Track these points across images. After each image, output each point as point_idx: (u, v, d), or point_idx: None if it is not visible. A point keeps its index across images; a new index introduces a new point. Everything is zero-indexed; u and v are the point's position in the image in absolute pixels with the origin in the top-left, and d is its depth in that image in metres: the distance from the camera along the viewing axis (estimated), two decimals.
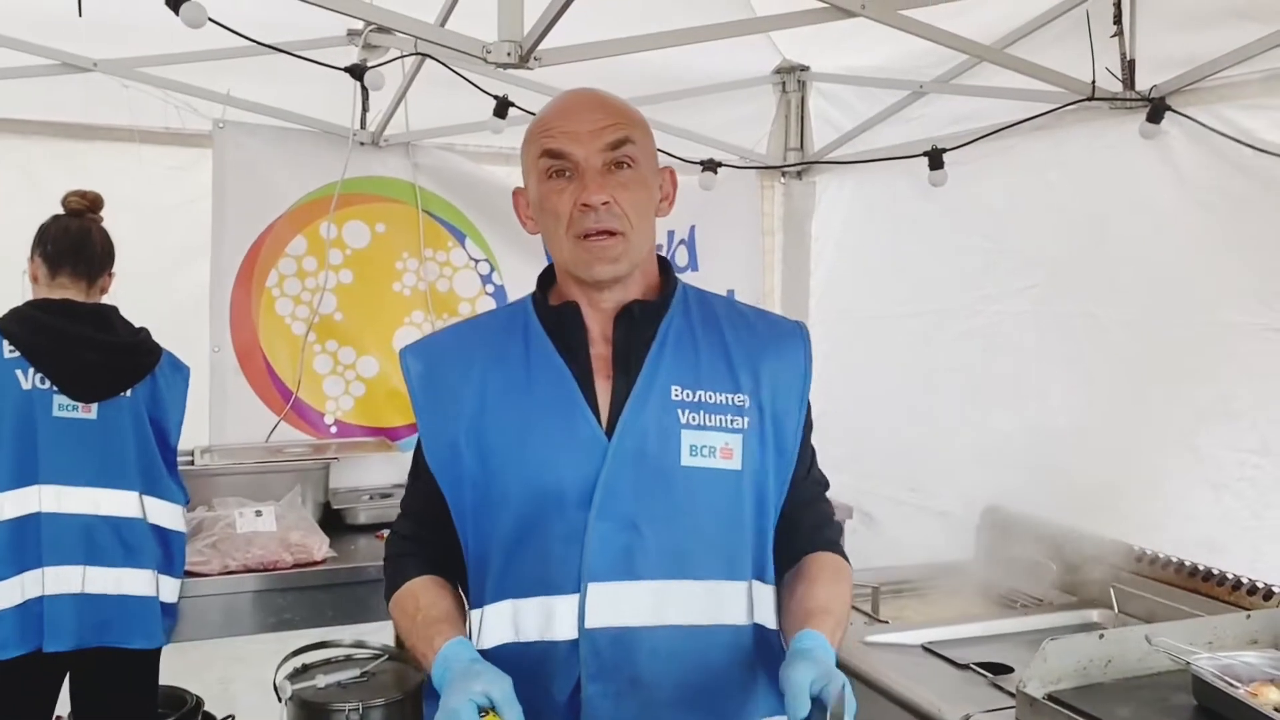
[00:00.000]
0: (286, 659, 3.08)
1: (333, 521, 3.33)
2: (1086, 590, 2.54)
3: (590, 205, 1.45)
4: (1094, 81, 2.77)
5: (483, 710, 1.32)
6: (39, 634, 2.52)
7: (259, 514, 2.95)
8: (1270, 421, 2.43)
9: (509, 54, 2.19)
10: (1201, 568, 2.30)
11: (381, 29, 3.32)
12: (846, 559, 1.63)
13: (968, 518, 2.96)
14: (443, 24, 2.75)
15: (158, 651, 2.72)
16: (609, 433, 1.48)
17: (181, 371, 2.80)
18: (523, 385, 1.52)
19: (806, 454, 1.60)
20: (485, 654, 1.47)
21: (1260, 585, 2.17)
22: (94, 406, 2.61)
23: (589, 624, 1.45)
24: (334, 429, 3.74)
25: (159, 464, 2.72)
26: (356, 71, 3.10)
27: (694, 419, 1.49)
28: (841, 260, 4.12)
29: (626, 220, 1.48)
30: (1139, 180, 2.81)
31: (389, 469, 3.71)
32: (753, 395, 1.53)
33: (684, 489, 1.48)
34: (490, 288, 3.96)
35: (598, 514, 1.45)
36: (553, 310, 1.56)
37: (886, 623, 2.40)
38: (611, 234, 1.47)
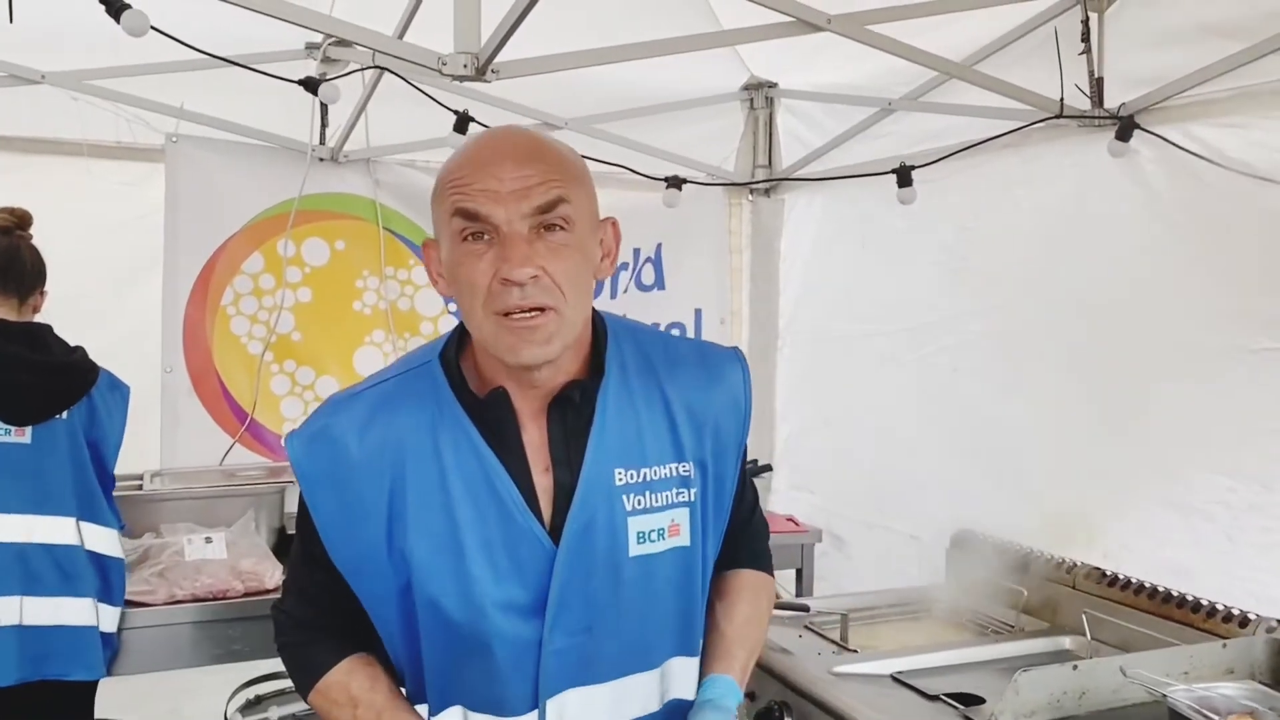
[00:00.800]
0: (238, 690, 2.98)
1: (287, 547, 3.19)
2: (1058, 616, 2.48)
3: (514, 280, 1.23)
4: (1062, 99, 2.74)
5: None
6: None
7: (209, 541, 2.84)
8: (1242, 443, 2.39)
9: (465, 66, 2.13)
10: (1175, 593, 2.24)
11: (341, 42, 3.26)
12: (770, 571, 1.59)
13: (938, 541, 2.90)
14: (401, 36, 2.70)
15: (96, 684, 2.62)
16: (553, 533, 1.33)
17: (120, 391, 2.69)
18: (449, 484, 1.31)
19: (740, 485, 1.51)
20: None
21: (1236, 612, 2.12)
22: (27, 430, 2.50)
23: None
24: None
25: (96, 489, 2.61)
26: (311, 84, 3.03)
27: (639, 502, 1.36)
28: (811, 279, 4.08)
29: (558, 293, 1.26)
30: (1108, 198, 2.78)
31: None
32: (697, 460, 1.40)
33: (634, 580, 1.36)
34: (453, 306, 3.87)
35: (550, 627, 1.32)
36: (478, 400, 1.35)
37: (855, 651, 2.33)
38: (541, 311, 1.25)
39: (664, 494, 1.37)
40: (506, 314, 1.25)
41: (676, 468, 1.39)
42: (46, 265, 2.63)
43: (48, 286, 2.64)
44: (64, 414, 2.54)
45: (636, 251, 4.13)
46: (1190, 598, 2.21)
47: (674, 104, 3.91)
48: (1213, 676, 1.90)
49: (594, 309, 1.42)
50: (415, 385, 1.37)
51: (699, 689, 1.43)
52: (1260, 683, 1.90)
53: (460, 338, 1.40)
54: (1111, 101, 2.75)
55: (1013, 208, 3.07)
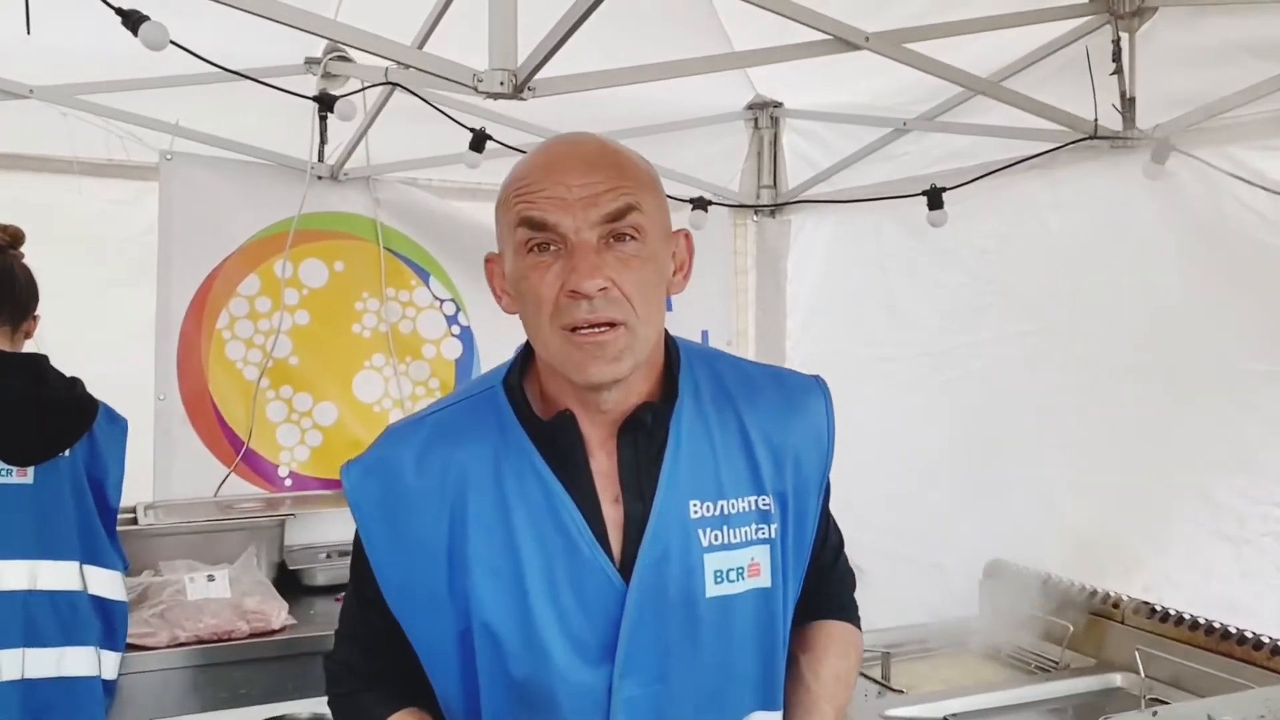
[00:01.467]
0: None
1: (288, 583, 3.08)
2: (1104, 652, 2.41)
3: (582, 293, 1.16)
4: (1096, 119, 2.68)
5: None
6: None
7: (211, 579, 2.71)
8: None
9: (502, 83, 2.02)
10: (1234, 629, 2.18)
11: (342, 57, 3.16)
12: (857, 621, 1.48)
13: (969, 572, 2.82)
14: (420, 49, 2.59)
15: None
16: (622, 569, 1.23)
17: (119, 425, 2.55)
18: (512, 516, 1.23)
19: (823, 525, 1.39)
20: None
21: None
22: (30, 470, 2.36)
23: None
24: (288, 481, 3.50)
25: (99, 529, 2.48)
26: (326, 100, 2.91)
27: (716, 538, 1.26)
28: (821, 301, 4.00)
29: (628, 307, 1.18)
30: (1142, 222, 2.73)
31: (348, 525, 3.43)
32: (777, 494, 1.29)
33: (712, 623, 1.26)
34: (456, 329, 3.76)
35: (621, 674, 1.22)
36: (543, 424, 1.27)
37: (902, 692, 2.24)
38: (611, 325, 1.18)
39: (743, 530, 1.27)
40: (574, 329, 1.18)
41: (755, 501, 1.28)
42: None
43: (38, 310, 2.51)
44: (66, 452, 2.40)
45: None
46: (1250, 634, 2.15)
47: (679, 123, 3.83)
48: None
49: (671, 343, 1.33)
50: (477, 412, 1.30)
51: None
52: None
53: (524, 361, 1.32)
54: (1144, 122, 2.70)
55: (1040, 230, 3.01)
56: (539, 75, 2.11)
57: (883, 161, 3.62)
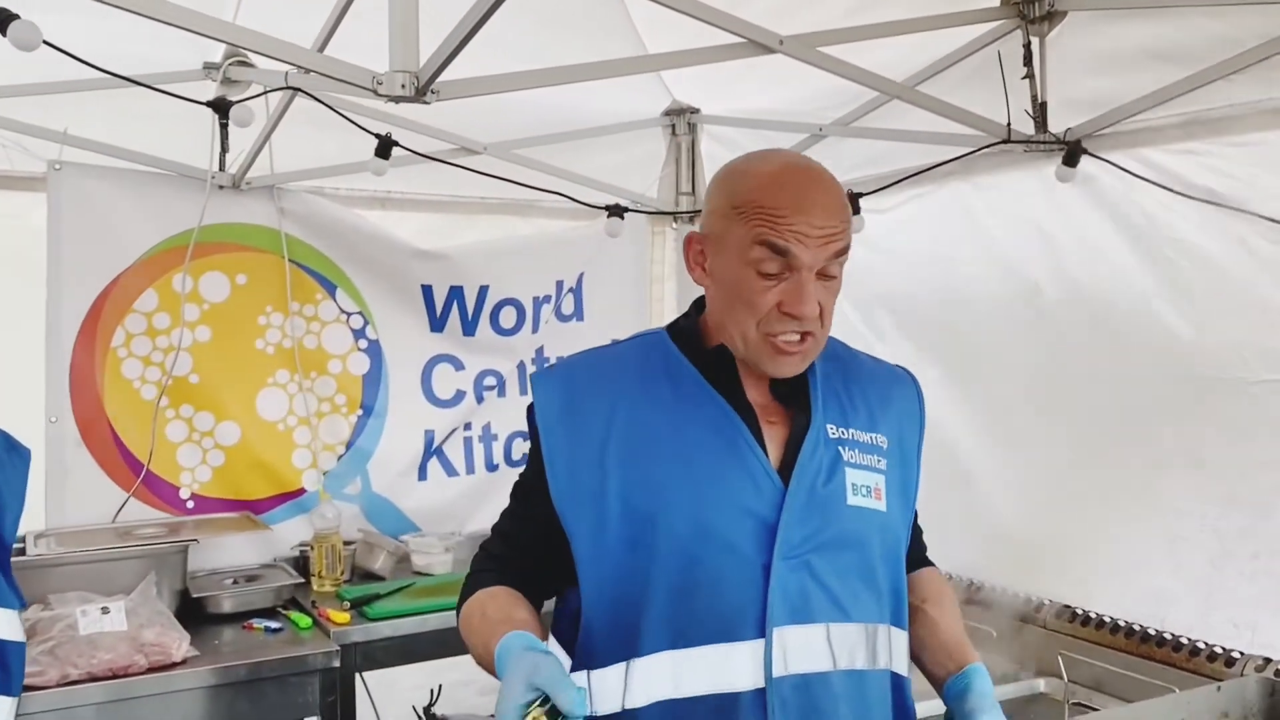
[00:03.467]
0: None
1: (192, 612, 2.94)
2: (1028, 657, 2.39)
3: (798, 315, 1.40)
4: (1009, 123, 2.69)
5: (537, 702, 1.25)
6: None
7: (105, 611, 2.56)
8: (1213, 474, 2.34)
9: (404, 86, 1.94)
10: (1154, 631, 2.18)
11: (242, 61, 3.03)
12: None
13: None
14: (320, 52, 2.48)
15: None
16: (781, 472, 1.44)
17: (20, 454, 2.38)
18: (679, 420, 1.45)
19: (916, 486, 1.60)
20: (634, 714, 1.40)
21: (1220, 650, 2.06)
22: None
23: (776, 671, 1.38)
24: (191, 504, 3.34)
25: None
26: (222, 106, 2.78)
27: (852, 457, 1.48)
28: None
29: (819, 324, 1.44)
30: (1068, 225, 2.73)
31: (255, 548, 3.33)
32: (887, 436, 1.53)
33: (851, 529, 1.46)
34: (364, 343, 3.64)
35: (778, 555, 1.40)
36: (706, 351, 1.50)
37: None
38: (806, 337, 1.43)
39: (868, 457, 1.49)
40: (777, 335, 1.42)
41: (874, 437, 1.52)
42: None
43: None
44: None
45: (560, 283, 3.96)
46: (1170, 636, 2.15)
47: (596, 129, 3.76)
48: None
49: None
50: (640, 346, 1.55)
51: (961, 680, 1.49)
52: None
53: (688, 320, 1.56)
54: (1057, 126, 2.71)
55: (973, 233, 2.99)
56: (443, 78, 2.04)
57: None
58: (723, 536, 1.41)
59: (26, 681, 2.38)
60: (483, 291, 3.79)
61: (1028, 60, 2.72)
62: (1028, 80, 2.71)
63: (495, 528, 1.61)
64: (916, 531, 1.66)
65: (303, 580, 3.23)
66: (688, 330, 1.54)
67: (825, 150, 3.50)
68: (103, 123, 3.10)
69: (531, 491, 1.50)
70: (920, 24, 2.66)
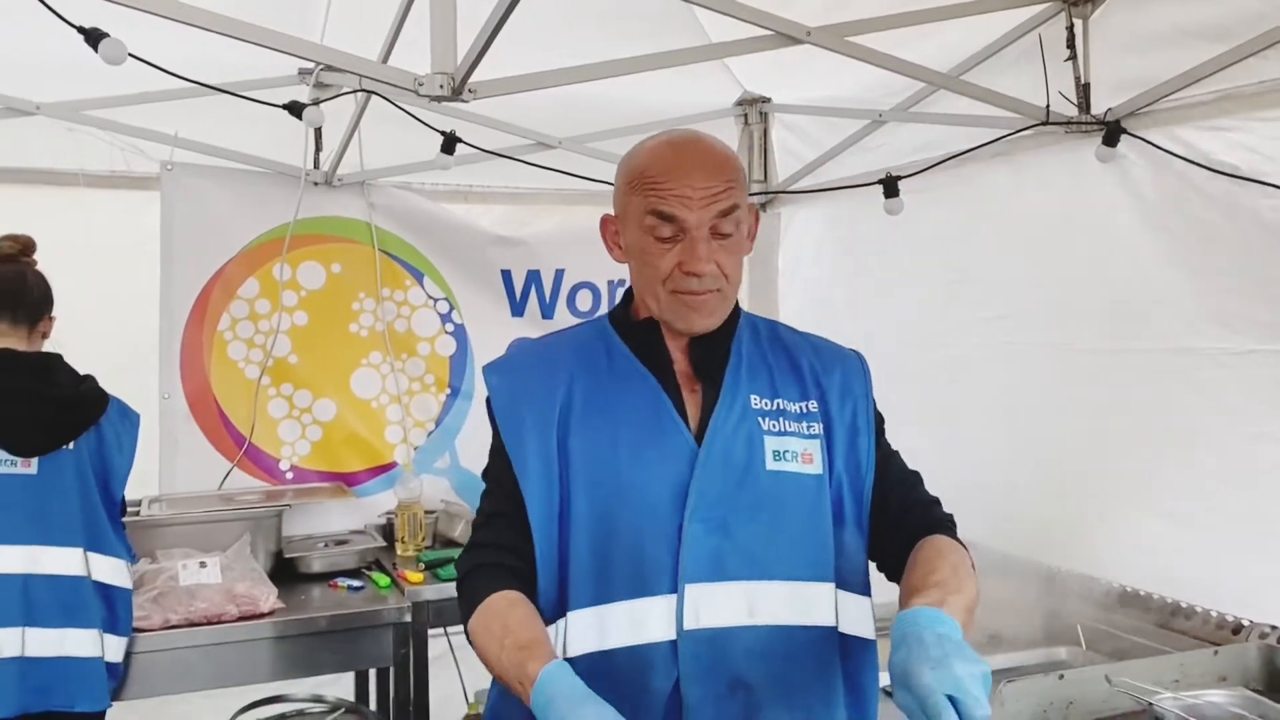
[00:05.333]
0: (238, 715, 2.98)
1: (285, 571, 3.23)
2: (1052, 627, 2.45)
3: (696, 273, 1.48)
4: (1048, 106, 2.73)
5: None
6: None
7: (203, 565, 2.85)
8: (1235, 450, 2.36)
9: (441, 86, 2.13)
10: (1169, 600, 2.22)
11: (330, 67, 3.29)
12: (954, 537, 1.59)
13: None
14: (385, 59, 2.71)
15: (103, 713, 2.62)
16: (698, 440, 1.52)
17: (130, 419, 2.71)
18: (610, 394, 1.56)
19: (885, 458, 1.62)
20: (570, 663, 1.44)
21: (1230, 619, 2.09)
22: (34, 461, 2.52)
23: (687, 625, 1.46)
24: (290, 475, 3.65)
25: (103, 519, 2.62)
26: (295, 109, 3.05)
27: (774, 426, 1.55)
28: (809, 293, 4.06)
29: (724, 279, 1.52)
30: (1098, 205, 2.76)
31: (345, 515, 3.61)
32: (820, 405, 1.58)
33: (769, 492, 1.52)
34: (450, 326, 3.89)
35: (691, 516, 1.48)
36: (635, 326, 1.60)
37: None
38: (709, 291, 1.51)
39: (795, 424, 1.56)
40: (683, 292, 1.51)
41: (804, 405, 1.58)
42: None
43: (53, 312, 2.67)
44: (70, 445, 2.55)
45: None
46: (1183, 605, 2.19)
47: (668, 121, 3.89)
48: (1204, 685, 1.88)
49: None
50: (586, 330, 1.67)
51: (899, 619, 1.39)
52: (1254, 690, 1.87)
53: (625, 304, 1.65)
54: (1098, 107, 2.73)
55: (1006, 217, 3.05)
56: (485, 77, 2.22)
57: (863, 153, 3.68)
58: (639, 496, 1.50)
59: (134, 625, 2.69)
60: (559, 275, 3.99)
61: (1071, 43, 2.76)
62: (1070, 63, 2.76)
63: (482, 511, 1.64)
64: (910, 500, 1.63)
65: (386, 545, 3.49)
66: (621, 312, 1.65)
67: (885, 136, 3.58)
68: (209, 126, 3.41)
69: (502, 475, 1.57)
70: (964, 9, 2.72)
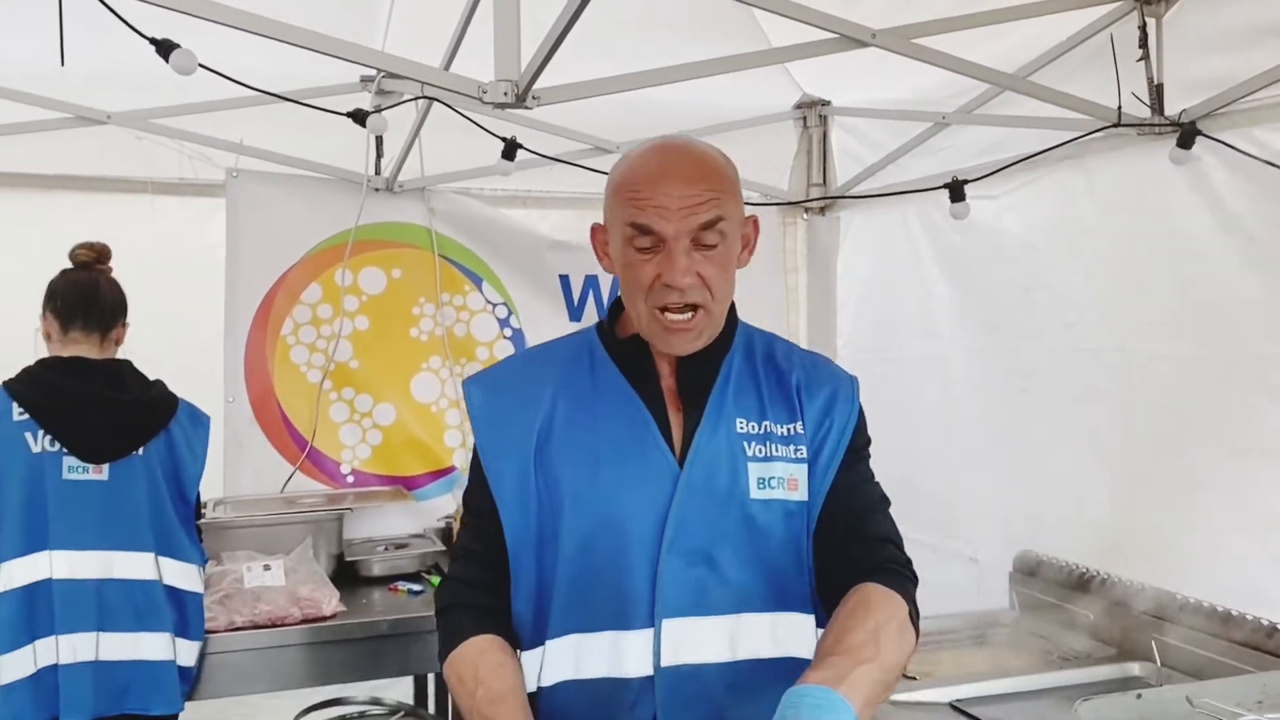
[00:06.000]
0: (299, 717, 3.00)
1: (346, 574, 3.25)
2: (1126, 642, 2.39)
3: (674, 285, 1.41)
4: (1120, 107, 2.67)
5: None
6: (54, 705, 2.45)
7: (267, 568, 2.88)
8: None
9: (505, 94, 2.13)
10: (1250, 617, 2.15)
11: (392, 74, 3.31)
12: (894, 584, 1.41)
13: (1000, 565, 2.82)
14: (448, 66, 2.72)
15: (175, 717, 2.64)
16: (681, 463, 1.47)
17: (201, 422, 2.74)
18: (592, 412, 1.50)
19: (849, 484, 1.51)
20: (545, 692, 1.45)
21: None
22: (105, 467, 2.55)
23: (665, 661, 1.42)
24: (350, 478, 3.68)
25: (175, 523, 2.65)
26: (359, 116, 3.07)
27: (760, 451, 1.49)
28: (869, 297, 4.02)
29: (708, 294, 1.44)
30: (1172, 208, 2.69)
31: (405, 519, 3.64)
32: (809, 424, 1.52)
33: (755, 522, 1.47)
34: (508, 331, 3.90)
35: (669, 548, 1.43)
36: (620, 342, 1.54)
37: (914, 679, 2.27)
38: (693, 308, 1.44)
39: (783, 448, 1.49)
40: (664, 309, 1.44)
41: (792, 427, 1.51)
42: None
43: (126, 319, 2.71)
44: (140, 450, 2.59)
45: None
46: (1265, 622, 2.12)
47: (727, 125, 3.89)
48: None
49: (731, 309, 1.58)
50: (575, 338, 1.61)
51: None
52: None
53: (615, 313, 1.60)
54: (1172, 108, 2.67)
55: (1076, 222, 2.98)
56: (547, 84, 2.21)
57: (926, 156, 3.63)
58: (619, 526, 1.44)
59: None
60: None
61: (1143, 43, 2.70)
62: (1142, 63, 2.69)
63: (462, 546, 1.60)
64: (857, 532, 1.49)
65: (445, 549, 3.50)
66: (610, 324, 1.58)
67: (949, 139, 3.53)
68: (273, 133, 3.46)
69: (479, 501, 1.53)
70: (1034, 9, 2.67)
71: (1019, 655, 2.50)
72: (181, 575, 2.65)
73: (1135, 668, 2.29)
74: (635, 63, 2.51)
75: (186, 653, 2.65)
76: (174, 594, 2.63)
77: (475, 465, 1.56)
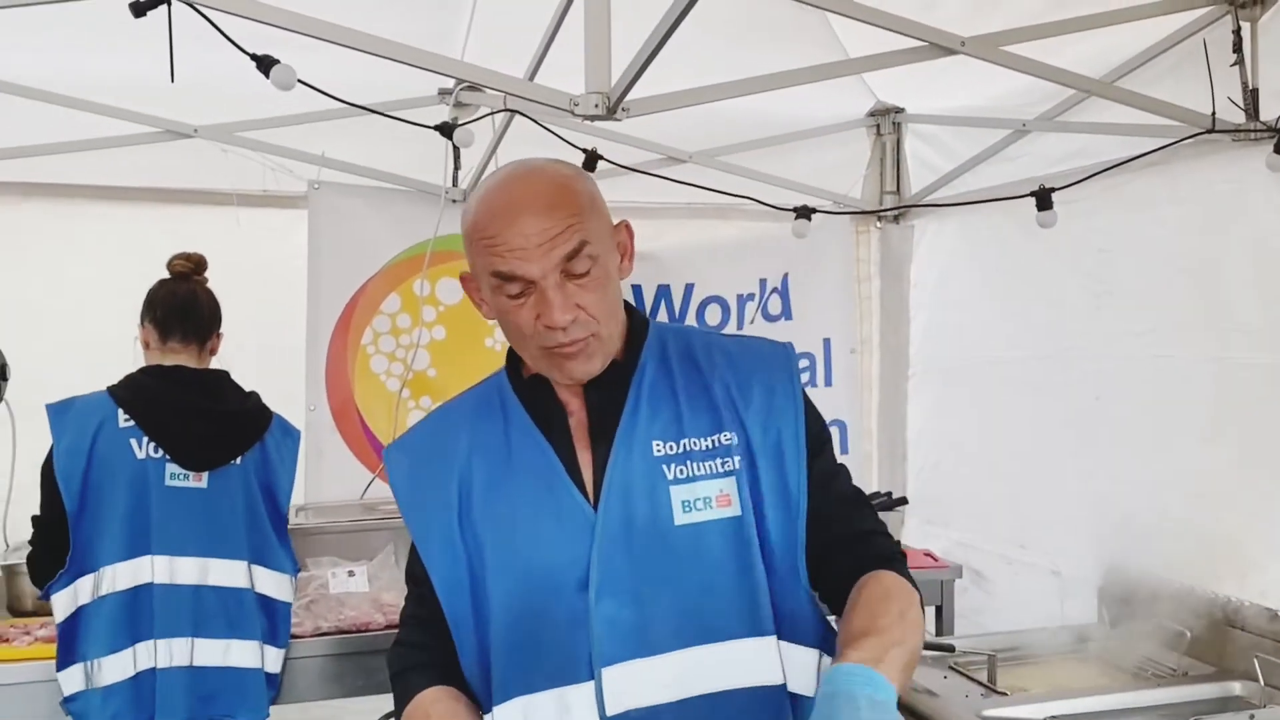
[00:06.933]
0: None
1: None
2: (1226, 659, 2.34)
3: (556, 326, 1.33)
4: (1214, 113, 2.61)
5: None
6: (151, 707, 2.51)
7: (351, 574, 2.92)
8: None
9: (596, 106, 2.14)
10: None
11: (472, 87, 3.35)
12: (903, 574, 1.41)
13: (1088, 578, 2.77)
14: (531, 79, 2.75)
15: None
16: (594, 504, 1.38)
17: (292, 435, 2.79)
18: (506, 467, 1.42)
19: (823, 479, 1.44)
20: None
21: None
22: (204, 475, 2.59)
23: (610, 710, 1.34)
24: None
25: (269, 532, 2.69)
26: (446, 129, 3.11)
27: (681, 471, 1.39)
28: (943, 306, 3.98)
29: (595, 323, 1.36)
30: (1263, 214, 2.63)
31: None
32: (739, 432, 1.41)
33: (686, 549, 1.38)
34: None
35: (598, 593, 1.35)
36: (526, 383, 1.46)
37: (1005, 694, 2.24)
38: (581, 340, 1.35)
39: (706, 464, 1.40)
40: (552, 347, 1.36)
41: (717, 438, 1.41)
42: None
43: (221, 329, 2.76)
44: (238, 459, 2.64)
45: (763, 282, 4.10)
46: None
47: (799, 133, 3.89)
48: None
49: (636, 313, 1.51)
50: (487, 391, 1.52)
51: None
52: None
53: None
54: (1268, 114, 2.61)
55: (1160, 228, 2.93)
56: (634, 95, 2.23)
57: (1003, 163, 3.59)
58: (544, 582, 1.37)
59: None
60: (688, 289, 4.00)
61: (1237, 47, 2.64)
62: (1236, 69, 2.64)
63: (404, 616, 1.55)
64: (854, 526, 1.46)
65: None
66: (515, 360, 1.49)
67: (1028, 146, 3.49)
68: (353, 146, 3.51)
69: (414, 567, 1.48)
70: (1125, 14, 2.63)
71: (1111, 671, 2.45)
72: (274, 584, 2.70)
73: (1237, 687, 2.24)
74: (707, 70, 2.51)
75: (273, 660, 2.69)
76: (265, 602, 2.67)
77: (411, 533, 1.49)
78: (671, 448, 1.40)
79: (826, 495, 1.44)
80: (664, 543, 1.37)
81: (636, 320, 1.49)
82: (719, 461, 1.40)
